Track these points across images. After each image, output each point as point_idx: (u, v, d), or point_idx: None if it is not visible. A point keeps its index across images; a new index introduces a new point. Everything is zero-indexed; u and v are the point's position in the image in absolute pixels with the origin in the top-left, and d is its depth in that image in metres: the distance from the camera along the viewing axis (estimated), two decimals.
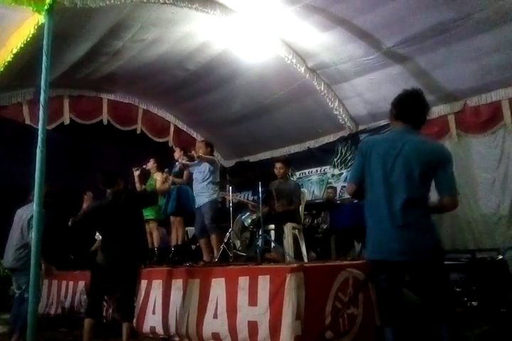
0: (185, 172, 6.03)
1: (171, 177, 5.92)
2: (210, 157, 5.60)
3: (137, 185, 6.21)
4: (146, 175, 6.29)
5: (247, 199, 8.37)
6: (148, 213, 5.89)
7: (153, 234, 6.11)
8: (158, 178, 6.06)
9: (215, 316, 4.01)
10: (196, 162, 5.59)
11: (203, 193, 5.45)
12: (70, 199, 6.31)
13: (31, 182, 3.46)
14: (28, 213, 4.38)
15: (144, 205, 4.89)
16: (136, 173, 6.15)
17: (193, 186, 5.63)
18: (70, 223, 4.33)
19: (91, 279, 4.27)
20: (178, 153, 6.19)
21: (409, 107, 2.61)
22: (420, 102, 2.62)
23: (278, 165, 5.66)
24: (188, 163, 5.68)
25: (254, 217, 5.87)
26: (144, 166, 6.21)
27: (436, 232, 2.56)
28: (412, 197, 2.46)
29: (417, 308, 2.87)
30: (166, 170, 5.99)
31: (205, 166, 5.52)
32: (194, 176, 5.64)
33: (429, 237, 2.47)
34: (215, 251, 5.31)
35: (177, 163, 6.02)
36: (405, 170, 2.47)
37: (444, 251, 2.64)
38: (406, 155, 2.48)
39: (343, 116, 7.87)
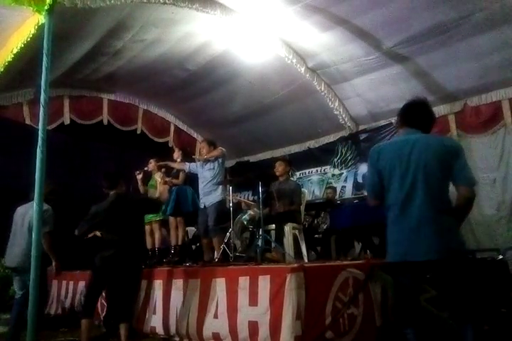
0: (180, 174, 6.03)
1: (167, 179, 5.92)
2: (215, 153, 5.56)
3: (140, 188, 6.19)
4: (147, 176, 6.28)
5: (247, 199, 8.36)
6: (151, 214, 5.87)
7: (155, 235, 6.10)
8: (158, 179, 6.05)
9: (216, 316, 4.01)
10: (199, 163, 5.62)
11: (211, 193, 5.43)
12: (71, 198, 6.31)
13: (31, 182, 3.46)
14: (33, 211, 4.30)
15: (147, 212, 4.95)
16: (139, 177, 6.12)
17: (200, 185, 5.57)
18: (76, 233, 4.26)
19: (90, 279, 4.25)
20: (176, 153, 6.19)
21: (414, 114, 2.65)
22: (425, 110, 2.66)
23: (277, 163, 5.78)
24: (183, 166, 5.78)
25: (252, 213, 5.88)
26: (146, 168, 6.18)
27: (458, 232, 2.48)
28: (432, 194, 2.42)
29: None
30: (163, 170, 5.99)
31: (214, 162, 5.51)
32: (202, 175, 5.58)
33: (450, 236, 2.41)
34: (216, 252, 5.31)
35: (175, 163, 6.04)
36: (421, 166, 2.44)
37: (467, 251, 2.55)
38: (419, 153, 2.46)
39: (343, 116, 7.88)
